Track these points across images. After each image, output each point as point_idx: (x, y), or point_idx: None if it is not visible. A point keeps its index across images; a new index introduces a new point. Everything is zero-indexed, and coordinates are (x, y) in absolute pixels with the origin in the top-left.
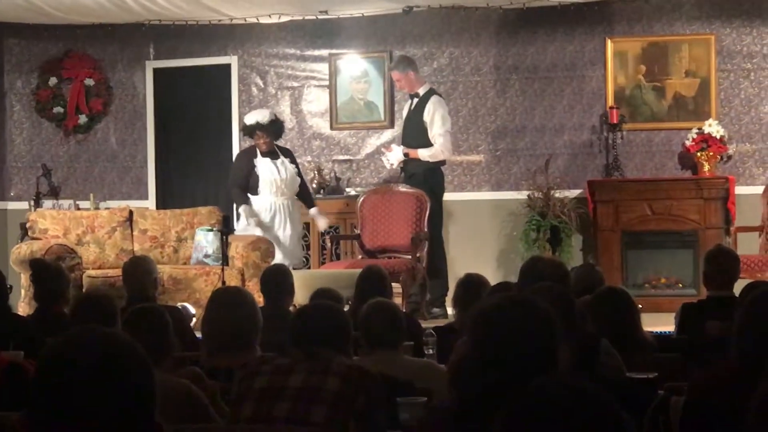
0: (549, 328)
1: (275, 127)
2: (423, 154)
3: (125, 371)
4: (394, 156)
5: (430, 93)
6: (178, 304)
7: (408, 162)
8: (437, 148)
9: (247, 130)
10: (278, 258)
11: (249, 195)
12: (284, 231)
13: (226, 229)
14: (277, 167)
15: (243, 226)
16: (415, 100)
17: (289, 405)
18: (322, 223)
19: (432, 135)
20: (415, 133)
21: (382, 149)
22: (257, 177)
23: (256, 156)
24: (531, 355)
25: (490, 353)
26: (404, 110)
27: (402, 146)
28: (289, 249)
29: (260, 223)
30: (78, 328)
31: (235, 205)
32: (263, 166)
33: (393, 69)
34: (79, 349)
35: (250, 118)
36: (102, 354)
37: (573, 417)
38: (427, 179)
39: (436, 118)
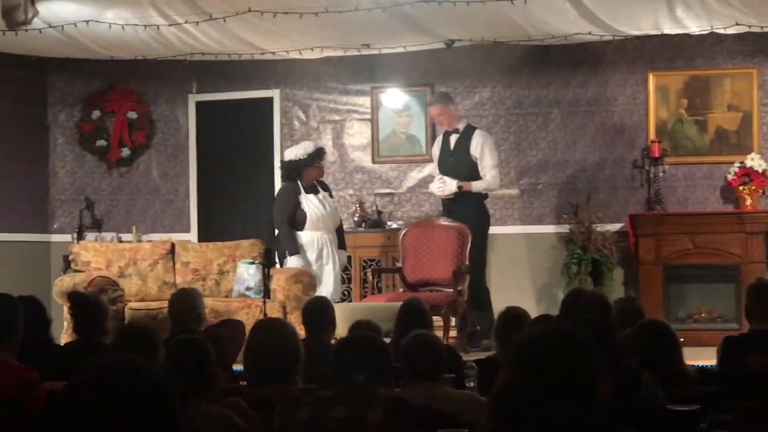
0: (589, 360)
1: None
2: (478, 186)
3: (145, 397)
4: (447, 188)
5: (471, 128)
6: None
7: (456, 196)
8: (490, 180)
9: (302, 163)
10: (325, 292)
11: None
12: (330, 266)
13: (267, 261)
14: (320, 202)
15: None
16: (455, 135)
17: None
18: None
19: (483, 167)
20: (462, 168)
21: (439, 177)
22: (303, 213)
23: (300, 192)
24: (571, 386)
25: (531, 384)
26: (435, 148)
27: (455, 180)
28: (334, 283)
29: (309, 266)
30: (100, 358)
31: (283, 248)
32: (308, 202)
33: (435, 103)
34: (101, 378)
35: (301, 150)
36: (123, 382)
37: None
38: (478, 212)
39: (486, 151)
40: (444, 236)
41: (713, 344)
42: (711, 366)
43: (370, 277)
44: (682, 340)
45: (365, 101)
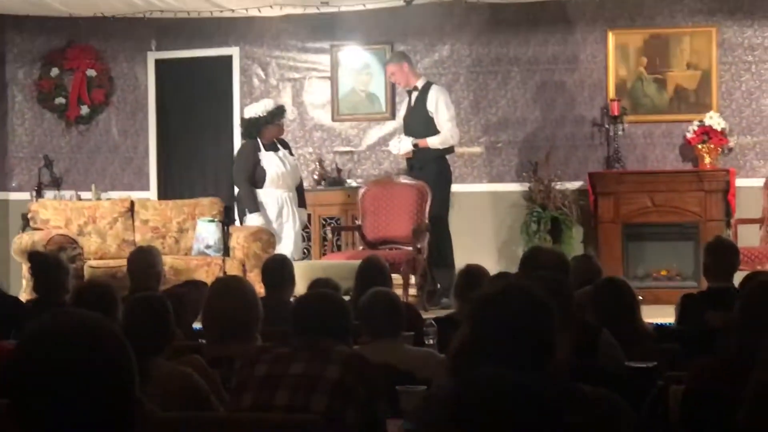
0: (546, 317)
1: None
2: (433, 141)
3: (99, 350)
4: (403, 146)
5: (429, 84)
6: None
7: (415, 153)
8: (446, 134)
9: (262, 120)
10: (285, 251)
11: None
12: (291, 224)
13: (227, 219)
14: (280, 160)
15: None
16: (414, 93)
17: (289, 393)
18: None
19: (439, 122)
20: (421, 125)
21: (397, 136)
22: (263, 171)
23: (259, 150)
24: (528, 343)
25: (488, 341)
26: (402, 108)
27: (410, 137)
28: (295, 241)
29: (270, 225)
30: (51, 313)
31: (243, 205)
32: (268, 159)
33: (388, 62)
34: (50, 332)
35: (261, 108)
36: (74, 334)
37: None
38: (439, 169)
39: (440, 105)
40: (404, 194)
41: (672, 302)
42: (669, 324)
43: (330, 235)
44: (640, 298)
45: (325, 59)
